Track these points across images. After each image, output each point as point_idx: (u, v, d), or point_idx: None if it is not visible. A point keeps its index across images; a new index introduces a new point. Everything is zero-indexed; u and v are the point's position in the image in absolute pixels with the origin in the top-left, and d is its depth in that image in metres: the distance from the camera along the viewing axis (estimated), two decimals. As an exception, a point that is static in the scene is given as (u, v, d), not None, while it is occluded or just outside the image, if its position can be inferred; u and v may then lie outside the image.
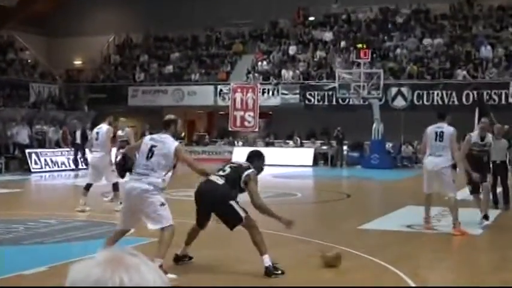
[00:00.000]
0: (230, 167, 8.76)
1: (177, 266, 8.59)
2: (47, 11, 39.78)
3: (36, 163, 25.70)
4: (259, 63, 35.66)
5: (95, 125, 33.36)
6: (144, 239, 9.90)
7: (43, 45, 40.18)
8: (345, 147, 31.62)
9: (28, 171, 25.49)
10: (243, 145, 33.11)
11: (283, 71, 34.33)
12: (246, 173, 8.64)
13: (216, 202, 8.49)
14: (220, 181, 8.48)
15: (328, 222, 13.63)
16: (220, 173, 8.62)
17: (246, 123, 33.01)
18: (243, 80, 34.52)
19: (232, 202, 8.44)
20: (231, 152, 32.65)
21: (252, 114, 32.75)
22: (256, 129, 33.48)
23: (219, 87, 34.53)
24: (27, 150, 26.21)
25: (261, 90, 33.23)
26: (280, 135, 33.77)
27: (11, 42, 37.54)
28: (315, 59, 34.85)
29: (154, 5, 37.14)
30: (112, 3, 38.80)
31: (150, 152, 8.23)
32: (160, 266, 6.85)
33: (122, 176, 9.66)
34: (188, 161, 8.98)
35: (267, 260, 8.19)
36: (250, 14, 35.80)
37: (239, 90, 33.17)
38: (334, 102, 31.62)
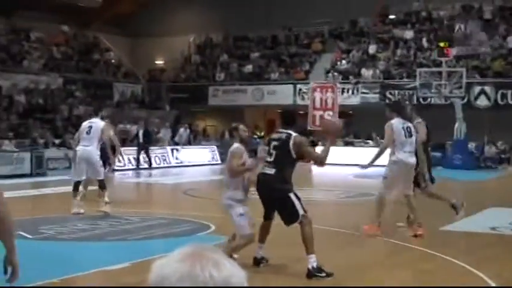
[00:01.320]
0: (274, 148, 8.55)
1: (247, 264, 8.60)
2: (130, 12, 40.54)
3: (119, 161, 26.20)
4: (339, 62, 35.44)
5: (176, 123, 33.98)
6: (222, 237, 9.96)
7: (126, 46, 40.98)
8: (427, 148, 31.06)
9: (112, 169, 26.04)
10: (323, 144, 32.95)
11: (363, 70, 34.03)
12: (291, 142, 8.41)
13: (273, 196, 8.43)
14: (272, 170, 8.39)
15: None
16: (268, 159, 8.51)
17: (326, 122, 32.81)
18: (323, 79, 34.34)
19: (291, 195, 8.34)
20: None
21: (331, 113, 32.50)
22: (336, 129, 33.23)
23: (298, 86, 34.50)
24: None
25: (341, 90, 32.97)
26: (360, 135, 33.46)
27: (95, 43, 38.46)
28: (396, 58, 34.41)
29: (234, 6, 37.36)
30: (193, 4, 39.22)
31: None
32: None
33: None
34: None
35: (312, 261, 8.05)
36: (330, 13, 35.58)
37: (318, 89, 32.95)
38: (415, 102, 31.09)
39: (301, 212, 8.28)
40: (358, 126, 34.25)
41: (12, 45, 32.22)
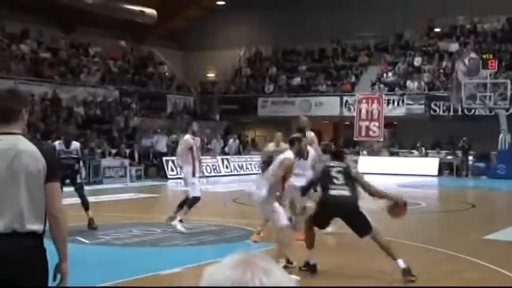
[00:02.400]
0: (341, 173, 8.65)
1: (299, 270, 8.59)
2: (183, 27, 40.94)
3: (172, 170, 26.44)
4: (385, 74, 35.22)
5: (226, 134, 34.12)
6: (270, 244, 9.97)
7: (179, 60, 41.37)
8: (470, 158, 30.65)
9: (165, 177, 26.33)
10: (368, 154, 32.79)
11: (408, 82, 33.75)
12: (353, 171, 8.92)
13: (350, 212, 8.58)
14: (347, 192, 8.55)
15: (452, 232, 13.22)
16: (339, 182, 8.59)
17: (371, 133, 32.62)
18: (369, 90, 34.18)
19: (363, 210, 8.59)
20: (356, 161, 32.34)
21: (377, 124, 32.33)
22: (381, 139, 33.00)
23: (344, 98, 34.38)
24: (164, 158, 27.08)
25: (386, 101, 32.77)
26: (405, 145, 33.15)
27: (150, 57, 38.92)
28: (440, 70, 34.04)
29: (283, 20, 37.41)
30: (243, 19, 39.41)
31: None
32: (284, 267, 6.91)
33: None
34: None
35: (402, 263, 8.12)
36: (376, 27, 35.41)
37: (364, 100, 32.84)
38: (459, 113, 30.70)
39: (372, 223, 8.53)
40: (403, 136, 33.96)
41: (72, 60, 32.80)
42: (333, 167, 8.71)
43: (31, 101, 27.24)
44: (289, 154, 8.81)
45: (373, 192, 8.81)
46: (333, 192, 8.52)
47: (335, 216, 8.92)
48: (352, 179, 8.62)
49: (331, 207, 8.60)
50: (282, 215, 8.72)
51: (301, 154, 9.27)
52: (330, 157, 9.24)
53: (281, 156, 8.84)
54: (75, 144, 12.72)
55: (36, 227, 3.80)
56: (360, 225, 8.56)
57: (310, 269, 8.58)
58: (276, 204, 8.72)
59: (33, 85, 28.30)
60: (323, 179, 8.68)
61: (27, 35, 31.90)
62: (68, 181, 12.46)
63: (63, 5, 30.64)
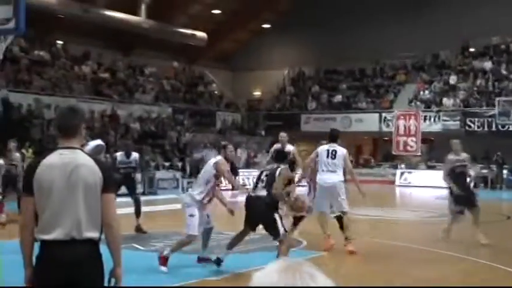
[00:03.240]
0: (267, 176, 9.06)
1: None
2: (231, 49, 41.19)
3: (221, 182, 26.42)
4: (421, 92, 34.83)
5: (272, 147, 34.11)
6: (314, 252, 9.87)
7: (228, 79, 41.59)
8: (504, 171, 30.08)
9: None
10: (406, 168, 32.43)
11: (444, 99, 33.32)
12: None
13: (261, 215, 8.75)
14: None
15: (488, 242, 12.91)
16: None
17: (409, 148, 32.26)
18: (406, 107, 33.84)
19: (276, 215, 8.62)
20: (394, 175, 32.09)
21: (414, 139, 31.96)
22: (419, 154, 32.60)
23: (383, 114, 34.13)
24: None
25: (423, 117, 32.40)
26: (442, 159, 32.47)
27: (201, 76, 39.23)
28: (475, 88, 33.53)
29: (325, 42, 37.36)
30: (287, 41, 39.47)
31: None
32: None
33: None
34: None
35: None
36: (413, 47, 35.10)
37: (402, 117, 32.53)
38: (494, 128, 30.17)
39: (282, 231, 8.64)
40: (439, 151, 33.43)
41: (129, 80, 33.24)
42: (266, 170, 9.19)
43: (91, 118, 27.69)
44: (220, 158, 9.08)
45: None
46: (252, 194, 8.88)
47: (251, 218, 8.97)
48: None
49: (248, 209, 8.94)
50: (194, 225, 8.76)
51: (227, 159, 9.40)
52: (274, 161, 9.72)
53: (213, 160, 8.99)
54: (135, 155, 12.98)
55: (93, 234, 3.84)
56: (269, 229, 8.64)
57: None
58: (196, 211, 8.78)
59: (94, 103, 28.75)
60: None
61: (88, 57, 32.45)
62: (125, 190, 12.64)
63: (121, 29, 31.10)
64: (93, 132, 26.84)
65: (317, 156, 11.22)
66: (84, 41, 32.51)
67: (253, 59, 39.79)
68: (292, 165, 12.48)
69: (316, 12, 36.90)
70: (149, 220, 14.33)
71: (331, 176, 10.89)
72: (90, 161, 3.89)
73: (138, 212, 12.60)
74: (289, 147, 13.41)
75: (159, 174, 25.52)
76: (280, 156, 12.26)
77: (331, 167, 10.94)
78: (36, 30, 27.85)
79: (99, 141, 7.43)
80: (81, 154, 3.93)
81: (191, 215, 8.85)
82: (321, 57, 38.42)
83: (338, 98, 37.12)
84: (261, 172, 9.28)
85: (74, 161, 3.85)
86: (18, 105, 25.42)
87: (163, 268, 8.75)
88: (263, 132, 36.92)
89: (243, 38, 40.75)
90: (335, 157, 10.96)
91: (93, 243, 3.84)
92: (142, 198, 14.33)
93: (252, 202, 8.88)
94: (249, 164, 30.98)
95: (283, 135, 13.56)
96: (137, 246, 10.93)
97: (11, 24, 7.53)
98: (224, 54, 40.91)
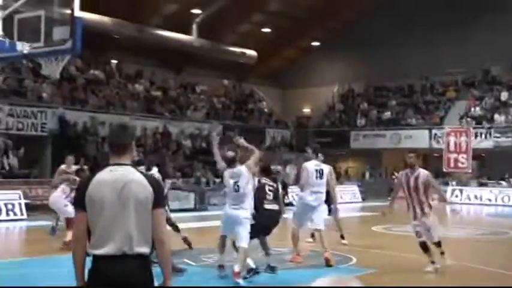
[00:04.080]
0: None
1: None
2: (280, 67, 41.30)
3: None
4: (472, 108, 34.25)
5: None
6: (363, 269, 9.74)
7: (277, 96, 41.67)
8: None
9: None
10: (457, 184, 31.86)
11: (496, 116, 32.68)
12: None
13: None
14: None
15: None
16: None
17: (460, 165, 31.67)
18: (457, 124, 33.29)
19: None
20: (445, 191, 31.51)
21: (465, 156, 31.37)
22: (469, 170, 31.99)
23: (433, 131, 33.68)
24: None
25: (474, 134, 31.82)
26: (493, 176, 31.99)
27: (251, 94, 39.41)
28: (528, 104, 32.82)
29: (373, 59, 37.16)
30: (336, 59, 39.38)
31: None
32: None
33: None
34: None
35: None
36: (463, 63, 34.60)
37: (453, 133, 31.98)
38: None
39: None
40: (491, 168, 32.84)
41: (180, 97, 33.61)
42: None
43: (144, 135, 28.05)
44: None
45: None
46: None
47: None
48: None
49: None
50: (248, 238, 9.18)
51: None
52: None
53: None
54: (153, 171, 12.49)
55: (144, 249, 3.87)
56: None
57: None
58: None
59: (146, 120, 29.15)
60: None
61: (141, 76, 32.97)
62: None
63: (173, 48, 31.54)
64: (145, 149, 27.20)
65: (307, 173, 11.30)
66: (137, 60, 33.07)
67: (302, 77, 39.80)
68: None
69: (364, 29, 36.78)
70: (200, 236, 14.38)
71: (318, 197, 11.13)
72: (140, 177, 3.93)
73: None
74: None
75: (210, 190, 25.61)
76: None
77: (319, 188, 11.16)
78: (92, 50, 28.45)
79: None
80: (132, 170, 3.97)
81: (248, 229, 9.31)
82: (370, 74, 38.22)
83: (387, 114, 36.79)
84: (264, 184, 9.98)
85: (125, 177, 3.90)
86: (74, 122, 25.94)
87: (239, 280, 9.02)
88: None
89: (292, 56, 40.84)
90: (322, 177, 11.20)
91: (144, 258, 3.87)
92: (193, 214, 14.38)
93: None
94: (298, 181, 30.84)
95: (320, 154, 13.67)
96: (188, 261, 10.97)
97: (68, 45, 7.70)
98: (273, 71, 41.04)
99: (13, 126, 23.37)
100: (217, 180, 27.29)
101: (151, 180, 3.98)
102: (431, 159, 36.51)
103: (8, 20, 8.00)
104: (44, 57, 8.58)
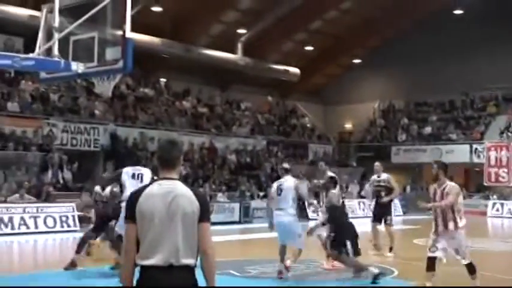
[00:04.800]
0: None
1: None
2: (323, 83, 41.22)
3: (313, 212, 26.22)
4: (512, 123, 33.58)
5: (363, 179, 33.74)
6: (406, 281, 9.59)
7: (320, 112, 41.55)
8: None
9: (306, 218, 26.16)
10: (498, 199, 31.22)
11: (537, 130, 31.96)
12: None
13: None
14: None
15: None
16: None
17: (501, 179, 31.03)
18: (497, 139, 32.65)
19: None
20: (486, 206, 30.96)
21: (506, 170, 30.74)
22: (510, 184, 31.31)
23: (474, 145, 33.09)
24: (306, 202, 26.92)
25: (515, 148, 31.16)
26: (534, 190, 31.21)
27: (294, 110, 39.39)
28: None
29: (414, 75, 36.80)
30: (376, 75, 39.12)
31: None
32: None
33: None
34: None
35: None
36: (503, 78, 33.95)
37: (493, 148, 31.40)
38: None
39: None
40: (532, 182, 32.07)
41: (226, 114, 33.79)
42: None
43: (191, 150, 28.26)
44: None
45: None
46: None
47: None
48: None
49: None
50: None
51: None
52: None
53: None
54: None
55: (190, 261, 3.91)
56: None
57: None
58: None
59: (193, 136, 29.37)
60: None
61: (188, 93, 33.27)
62: None
63: (219, 66, 31.80)
64: (192, 163, 27.40)
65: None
66: (185, 78, 33.41)
67: (344, 93, 39.67)
68: (390, 191, 14.08)
69: (404, 46, 36.47)
70: (245, 247, 14.38)
71: (281, 216, 10.63)
72: (188, 191, 3.98)
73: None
74: (384, 175, 14.31)
75: (254, 203, 25.62)
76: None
77: (280, 204, 10.64)
78: (142, 69, 28.91)
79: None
80: (180, 185, 4.01)
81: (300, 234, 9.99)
82: (411, 90, 37.83)
83: (428, 129, 36.33)
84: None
85: (173, 191, 3.95)
86: (125, 138, 26.30)
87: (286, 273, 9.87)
88: (354, 163, 36.55)
89: (334, 73, 40.73)
90: (281, 193, 10.63)
91: (190, 269, 3.91)
92: (239, 226, 14.39)
93: None
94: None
95: (377, 164, 14.62)
96: (233, 272, 10.97)
97: (120, 65, 7.84)
98: (316, 88, 40.98)
99: (68, 142, 23.80)
100: (262, 193, 27.31)
101: (198, 194, 4.02)
102: (472, 173, 35.92)
103: (63, 42, 8.19)
104: (97, 76, 8.75)
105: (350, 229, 10.29)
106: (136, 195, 4.01)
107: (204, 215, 3.96)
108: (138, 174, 10.62)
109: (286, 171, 10.83)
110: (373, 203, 14.48)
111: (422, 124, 37.14)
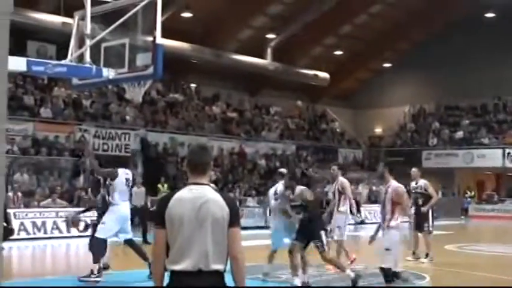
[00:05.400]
0: None
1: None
2: (352, 88, 41.03)
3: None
4: (547, 127, 33.05)
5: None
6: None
7: (349, 117, 41.36)
8: None
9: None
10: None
11: None
12: None
13: None
14: None
15: None
16: None
17: (534, 184, 30.59)
18: (530, 143, 32.20)
19: None
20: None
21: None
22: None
23: (507, 150, 32.62)
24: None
25: (549, 153, 30.67)
26: None
27: (323, 115, 39.28)
28: None
29: (444, 78, 36.43)
30: (407, 79, 38.82)
31: None
32: None
33: None
34: None
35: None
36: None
37: (526, 152, 30.97)
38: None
39: None
40: None
41: (255, 119, 33.82)
42: None
43: (221, 155, 28.34)
44: None
45: None
46: None
47: None
48: None
49: None
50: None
51: None
52: None
53: None
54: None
55: (219, 266, 3.90)
56: None
57: None
58: None
59: (223, 141, 29.46)
60: None
61: (218, 98, 33.40)
62: None
63: (249, 71, 31.89)
64: (222, 168, 27.48)
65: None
66: (214, 83, 33.57)
67: (374, 97, 39.43)
68: (427, 198, 13.95)
69: (435, 50, 36.12)
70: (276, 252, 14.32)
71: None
72: (218, 197, 3.97)
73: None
74: (421, 181, 14.26)
75: (284, 208, 25.56)
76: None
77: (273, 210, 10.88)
78: (172, 74, 29.11)
79: None
80: (210, 190, 4.01)
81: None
82: (442, 94, 37.46)
83: (459, 134, 35.90)
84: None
85: (203, 196, 3.94)
86: (155, 143, 26.48)
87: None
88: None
89: (364, 77, 40.54)
90: (277, 198, 10.73)
91: (219, 274, 3.90)
92: (268, 231, 14.32)
93: None
94: (370, 199, 30.47)
95: (414, 170, 14.50)
96: (264, 278, 10.95)
97: (150, 70, 7.90)
98: (345, 92, 40.81)
99: (99, 148, 24.06)
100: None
101: (228, 200, 4.02)
102: (504, 178, 35.42)
103: (95, 48, 8.28)
104: (128, 82, 8.83)
105: (321, 222, 10.26)
106: (166, 200, 4.02)
107: (233, 220, 3.96)
108: (128, 179, 10.39)
109: (282, 176, 10.89)
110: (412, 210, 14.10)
111: (453, 128, 36.74)
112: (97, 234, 10.15)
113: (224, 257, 3.93)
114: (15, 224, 16.42)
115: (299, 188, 10.26)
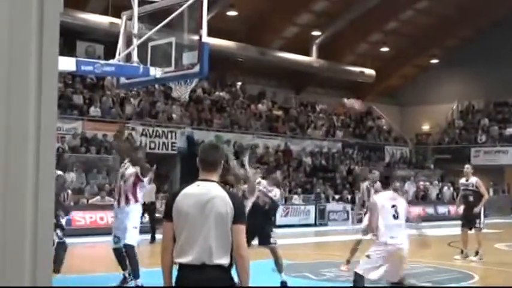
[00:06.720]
0: None
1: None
2: (399, 85, 40.57)
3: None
4: None
5: (441, 181, 32.96)
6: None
7: (396, 114, 40.92)
8: None
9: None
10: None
11: None
12: None
13: None
14: None
15: None
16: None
17: None
18: None
19: None
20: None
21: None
22: None
23: (558, 147, 31.85)
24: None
25: None
26: None
27: (369, 112, 38.92)
28: None
29: (493, 74, 35.68)
30: (455, 75, 38.16)
31: None
32: None
33: None
34: None
35: None
36: None
37: None
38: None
39: None
40: None
41: (300, 116, 33.74)
42: None
43: (266, 153, 28.35)
44: None
45: None
46: None
47: None
48: None
49: None
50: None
51: None
52: None
53: None
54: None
55: (223, 261, 4.01)
56: None
57: None
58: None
59: (268, 139, 29.49)
60: None
61: (263, 96, 33.43)
62: None
63: (294, 69, 31.83)
64: (268, 166, 27.49)
65: None
66: (260, 81, 33.64)
67: (421, 94, 38.91)
68: (478, 196, 13.64)
69: (484, 45, 35.43)
70: (320, 250, 14.32)
71: None
72: (223, 193, 4.09)
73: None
74: (473, 179, 13.94)
75: (330, 206, 25.50)
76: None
77: None
78: (218, 73, 29.26)
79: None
80: (216, 186, 4.13)
81: None
82: (491, 90, 36.72)
83: (509, 130, 35.13)
84: None
85: (209, 192, 4.07)
86: (201, 141, 26.67)
87: None
88: (432, 166, 35.78)
89: (410, 74, 40.04)
90: None
91: (223, 269, 4.01)
92: (314, 229, 14.35)
93: None
94: (418, 197, 30.09)
95: (467, 166, 14.34)
96: (309, 275, 10.94)
97: (196, 69, 7.96)
98: (392, 89, 40.39)
99: (146, 146, 24.36)
100: (337, 196, 27.15)
101: (233, 196, 4.15)
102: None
103: (142, 47, 8.39)
104: (174, 80, 8.91)
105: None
106: (174, 194, 4.21)
107: (238, 217, 4.05)
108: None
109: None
110: (462, 208, 13.92)
111: (503, 125, 35.98)
112: (131, 242, 9.61)
113: (228, 252, 4.03)
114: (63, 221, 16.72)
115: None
